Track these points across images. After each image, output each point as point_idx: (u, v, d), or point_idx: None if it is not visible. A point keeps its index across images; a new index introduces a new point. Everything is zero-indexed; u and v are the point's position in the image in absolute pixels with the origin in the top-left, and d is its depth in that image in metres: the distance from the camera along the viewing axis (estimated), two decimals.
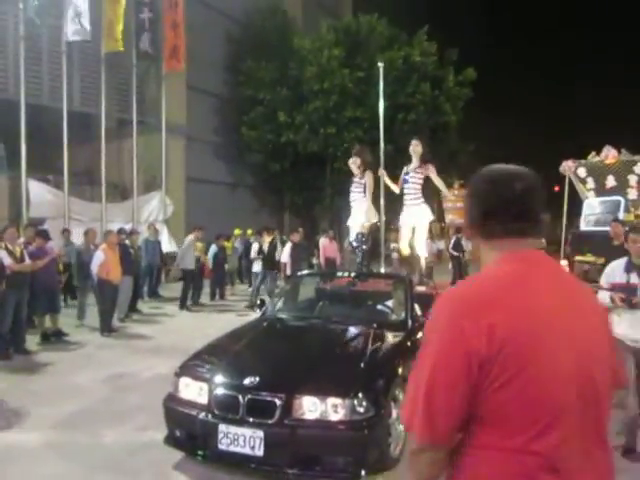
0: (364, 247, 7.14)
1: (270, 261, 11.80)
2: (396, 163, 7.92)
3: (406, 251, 7.50)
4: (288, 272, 11.46)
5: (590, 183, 12.23)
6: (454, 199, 25.47)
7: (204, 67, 19.01)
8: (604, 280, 4.24)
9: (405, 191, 7.32)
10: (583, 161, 12.22)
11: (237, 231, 16.08)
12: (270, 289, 11.56)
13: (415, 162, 7.19)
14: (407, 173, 7.20)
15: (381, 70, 7.92)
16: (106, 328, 8.82)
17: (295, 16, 23.38)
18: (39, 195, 14.23)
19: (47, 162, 14.84)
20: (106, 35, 14.76)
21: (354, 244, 7.29)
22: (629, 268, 4.09)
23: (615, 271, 4.19)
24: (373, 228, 7.72)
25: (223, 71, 20.85)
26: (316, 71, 19.37)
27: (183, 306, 11.53)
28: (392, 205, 8.33)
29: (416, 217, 7.29)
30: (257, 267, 12.01)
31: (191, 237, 11.91)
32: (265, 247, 11.88)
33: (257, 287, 11.78)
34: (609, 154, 11.72)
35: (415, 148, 7.16)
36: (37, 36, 14.93)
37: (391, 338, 4.69)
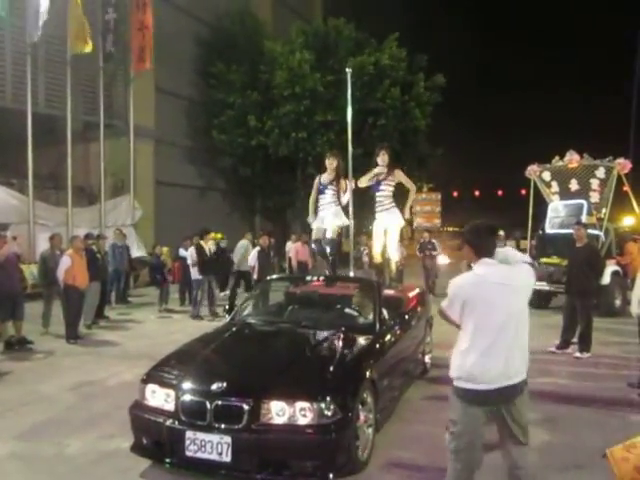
0: (333, 251, 7.25)
1: (212, 265, 11.13)
2: (365, 166, 7.97)
3: (379, 258, 7.58)
4: (255, 276, 11.42)
5: (554, 187, 12.56)
6: (422, 203, 25.76)
7: (173, 70, 18.84)
8: None
9: (377, 199, 7.40)
10: (548, 165, 12.54)
11: (219, 235, 15.56)
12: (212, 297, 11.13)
13: (382, 169, 7.28)
14: (379, 182, 7.28)
15: (349, 76, 7.95)
16: (72, 335, 8.65)
17: (265, 19, 23.39)
18: (2, 200, 13.91)
19: (11, 166, 14.50)
20: (72, 36, 14.49)
21: (328, 249, 7.35)
22: None
23: None
24: (340, 232, 7.78)
25: (193, 74, 20.70)
26: (287, 75, 19.40)
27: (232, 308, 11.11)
28: (361, 210, 8.39)
29: (388, 222, 7.39)
30: (196, 274, 11.03)
31: (245, 241, 12.35)
32: (207, 250, 11.07)
33: (212, 296, 11.16)
34: (572, 158, 12.06)
35: (383, 157, 7.28)
36: (0, 36, 14.59)
37: (359, 341, 4.73)
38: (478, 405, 3.00)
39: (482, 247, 3.11)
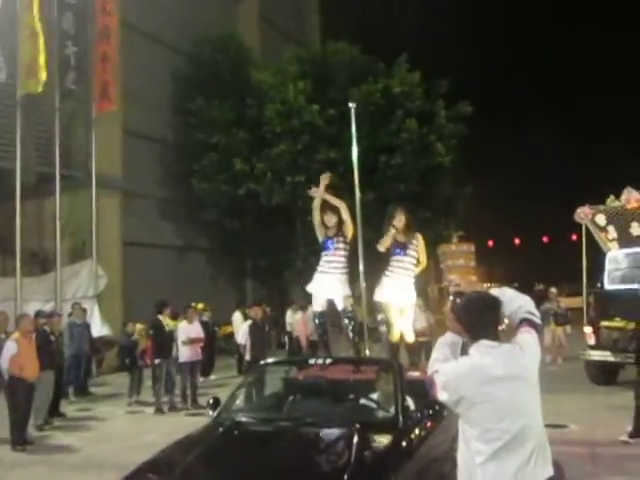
0: (353, 323, 7.35)
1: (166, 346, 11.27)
2: (380, 214, 8.00)
3: (397, 337, 7.64)
4: (247, 357, 11.33)
5: (612, 232, 12.51)
6: (454, 256, 25.82)
7: (145, 108, 19.30)
8: None
9: (398, 264, 7.41)
10: (602, 207, 12.53)
11: (201, 305, 15.29)
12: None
13: (402, 234, 7.35)
14: (404, 246, 7.34)
15: (353, 111, 8.16)
16: (19, 440, 8.51)
17: (252, 46, 24.12)
18: None
19: None
20: (25, 75, 14.88)
21: (346, 322, 7.38)
22: None
23: None
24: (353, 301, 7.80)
25: (168, 112, 21.19)
26: (279, 109, 19.84)
27: None
28: (377, 269, 8.39)
29: (404, 297, 7.43)
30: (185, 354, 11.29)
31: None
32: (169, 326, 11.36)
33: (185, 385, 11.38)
34: (631, 197, 12.05)
35: (400, 219, 7.33)
36: None
37: (379, 441, 4.65)
38: None
39: (476, 327, 3.07)
